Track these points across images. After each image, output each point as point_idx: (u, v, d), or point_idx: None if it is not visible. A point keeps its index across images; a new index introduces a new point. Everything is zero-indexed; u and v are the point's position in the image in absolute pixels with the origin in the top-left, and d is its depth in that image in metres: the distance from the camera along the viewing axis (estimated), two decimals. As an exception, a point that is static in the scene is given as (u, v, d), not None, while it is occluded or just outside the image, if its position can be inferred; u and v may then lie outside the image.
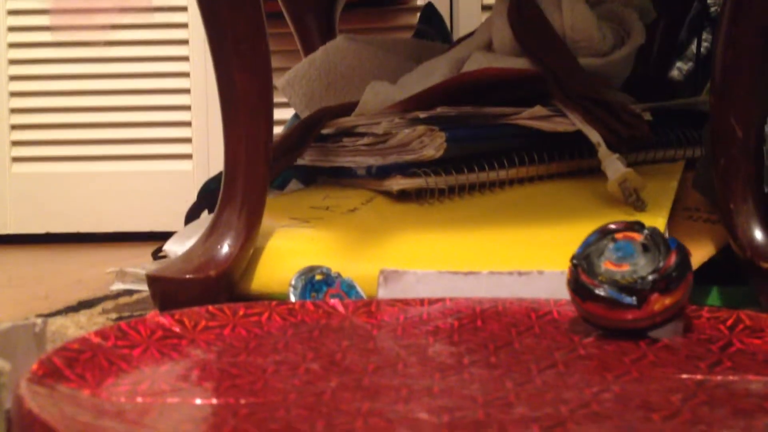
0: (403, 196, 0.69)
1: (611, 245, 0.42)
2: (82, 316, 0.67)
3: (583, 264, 0.41)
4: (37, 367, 0.29)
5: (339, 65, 0.88)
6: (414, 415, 0.28)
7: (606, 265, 0.41)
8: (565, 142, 0.70)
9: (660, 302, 0.39)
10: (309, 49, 1.00)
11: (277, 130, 0.72)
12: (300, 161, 0.81)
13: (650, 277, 0.39)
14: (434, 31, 1.15)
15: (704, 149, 0.65)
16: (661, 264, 0.40)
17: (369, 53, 0.90)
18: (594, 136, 0.66)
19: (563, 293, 0.46)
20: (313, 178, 0.87)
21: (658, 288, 0.39)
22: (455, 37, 1.27)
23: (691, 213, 0.64)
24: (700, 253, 0.57)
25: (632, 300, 0.39)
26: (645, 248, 0.41)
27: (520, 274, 0.50)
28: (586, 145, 0.69)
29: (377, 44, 0.92)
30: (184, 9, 1.65)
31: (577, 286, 0.41)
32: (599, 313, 0.40)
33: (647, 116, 0.70)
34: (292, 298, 0.51)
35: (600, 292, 0.40)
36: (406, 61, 0.91)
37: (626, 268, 0.40)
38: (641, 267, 0.40)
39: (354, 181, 0.77)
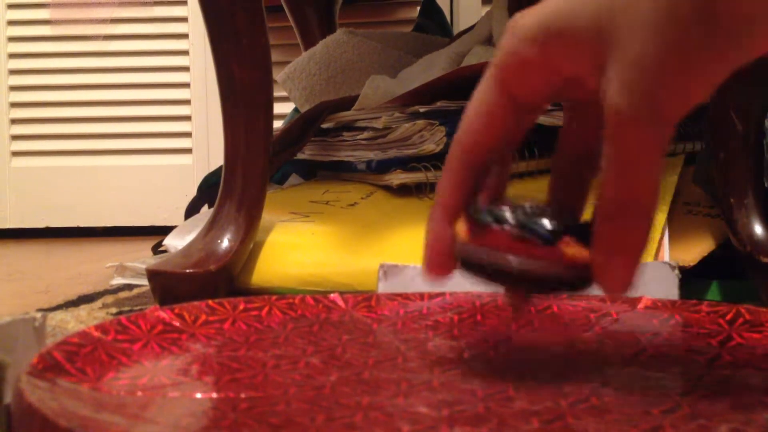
0: (403, 190, 0.69)
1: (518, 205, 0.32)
2: (83, 311, 0.67)
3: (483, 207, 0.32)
4: (38, 361, 0.29)
5: (339, 59, 0.88)
6: (414, 408, 0.28)
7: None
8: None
9: (576, 249, 0.30)
10: (309, 43, 1.00)
11: (277, 124, 0.72)
12: (300, 156, 0.81)
13: (568, 220, 0.31)
14: (434, 25, 1.15)
15: (704, 143, 0.64)
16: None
17: (369, 47, 0.90)
18: (594, 130, 0.66)
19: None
20: (313, 172, 0.87)
21: (575, 232, 0.30)
22: (455, 31, 1.27)
23: (691, 207, 0.64)
24: (699, 248, 0.57)
25: (545, 231, 0.30)
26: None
27: (520, 268, 0.50)
28: (586, 140, 0.69)
29: (377, 38, 0.92)
30: (183, 2, 1.65)
31: (476, 211, 0.32)
32: (498, 245, 0.30)
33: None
34: None
35: (508, 215, 0.30)
36: (406, 56, 0.91)
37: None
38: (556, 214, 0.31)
39: (354, 175, 0.77)
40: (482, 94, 0.32)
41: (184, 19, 1.65)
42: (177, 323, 0.38)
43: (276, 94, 0.63)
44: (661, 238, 0.57)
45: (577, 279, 0.30)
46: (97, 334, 0.34)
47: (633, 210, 0.28)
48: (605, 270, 0.29)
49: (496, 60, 0.31)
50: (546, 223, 0.30)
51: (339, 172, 0.80)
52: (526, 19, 0.30)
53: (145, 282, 0.79)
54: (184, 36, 1.66)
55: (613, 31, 0.27)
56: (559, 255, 0.30)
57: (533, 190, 0.67)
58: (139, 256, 1.14)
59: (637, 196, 0.28)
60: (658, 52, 0.26)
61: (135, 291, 0.78)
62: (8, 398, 0.28)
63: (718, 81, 0.27)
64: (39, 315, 0.33)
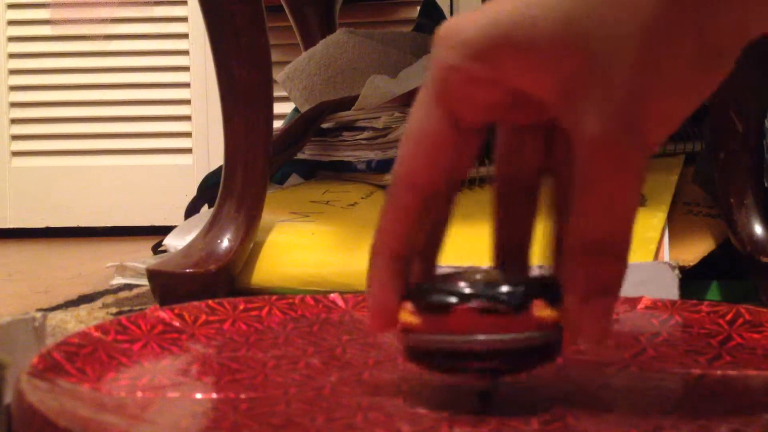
0: (403, 190, 0.69)
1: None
2: (83, 311, 0.67)
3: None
4: (38, 362, 0.29)
5: (339, 59, 0.88)
6: (414, 409, 0.28)
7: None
8: (565, 137, 0.70)
9: (545, 311, 0.27)
10: (309, 42, 1.00)
11: (277, 124, 0.72)
12: (300, 156, 0.81)
13: (533, 282, 0.28)
14: (434, 24, 1.14)
15: (704, 143, 0.64)
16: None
17: (369, 47, 0.90)
18: (594, 130, 0.66)
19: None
20: (313, 172, 0.87)
21: (543, 293, 0.27)
22: (455, 31, 1.27)
23: (691, 207, 0.64)
24: (699, 248, 0.57)
25: (509, 298, 0.26)
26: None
27: (520, 268, 0.50)
28: (586, 140, 0.69)
29: (377, 38, 0.92)
30: (183, 2, 1.65)
31: (423, 292, 0.28)
32: (454, 325, 0.26)
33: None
34: None
35: (462, 288, 0.27)
36: (406, 55, 0.91)
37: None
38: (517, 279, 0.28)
39: (354, 175, 0.77)
40: (421, 116, 0.27)
41: (184, 19, 1.65)
42: (177, 323, 0.38)
43: (276, 94, 0.63)
44: (661, 238, 0.57)
45: (550, 340, 0.27)
46: (97, 334, 0.34)
47: (611, 246, 0.26)
48: (581, 315, 0.26)
49: (433, 77, 0.27)
50: (507, 288, 0.26)
51: (339, 172, 0.80)
52: (467, 28, 0.26)
53: (145, 282, 0.79)
54: (184, 36, 1.66)
55: (587, 47, 0.24)
56: (530, 321, 0.26)
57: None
58: (139, 256, 1.14)
59: (615, 232, 0.25)
60: (646, 73, 0.23)
61: (135, 291, 0.78)
62: (8, 398, 0.28)
63: (705, 98, 0.25)
64: (39, 315, 0.33)
